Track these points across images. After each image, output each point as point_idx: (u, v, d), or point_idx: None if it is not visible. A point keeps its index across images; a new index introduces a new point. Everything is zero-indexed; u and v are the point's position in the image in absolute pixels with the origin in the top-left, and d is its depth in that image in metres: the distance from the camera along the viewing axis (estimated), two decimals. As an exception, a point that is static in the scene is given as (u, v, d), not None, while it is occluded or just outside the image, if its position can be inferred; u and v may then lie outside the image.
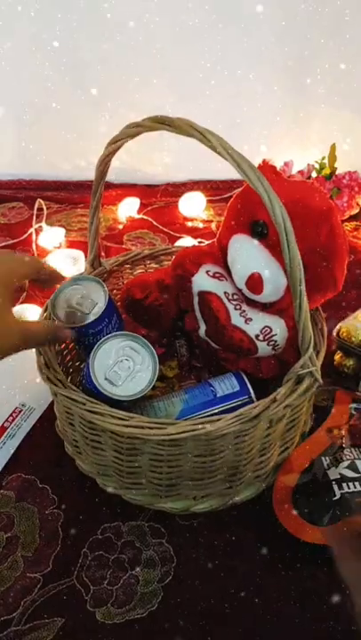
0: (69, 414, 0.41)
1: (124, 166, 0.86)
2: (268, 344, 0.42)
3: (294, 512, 0.40)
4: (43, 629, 0.37)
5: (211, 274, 0.44)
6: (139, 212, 0.86)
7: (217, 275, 0.44)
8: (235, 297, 0.44)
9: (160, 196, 0.90)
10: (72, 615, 0.38)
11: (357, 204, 0.81)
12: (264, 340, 0.42)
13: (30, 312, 0.63)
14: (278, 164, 0.83)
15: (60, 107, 0.86)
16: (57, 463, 0.48)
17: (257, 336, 0.42)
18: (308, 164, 0.83)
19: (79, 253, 0.73)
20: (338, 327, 0.55)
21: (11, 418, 0.52)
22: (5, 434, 0.50)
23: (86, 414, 0.36)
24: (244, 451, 0.39)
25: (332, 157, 0.80)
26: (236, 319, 0.43)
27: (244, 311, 0.43)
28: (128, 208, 0.86)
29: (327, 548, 0.39)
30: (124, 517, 0.43)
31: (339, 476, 0.42)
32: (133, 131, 0.35)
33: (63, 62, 0.84)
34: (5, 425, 0.51)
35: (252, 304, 0.44)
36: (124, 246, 0.79)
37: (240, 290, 0.44)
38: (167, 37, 0.80)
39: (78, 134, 0.87)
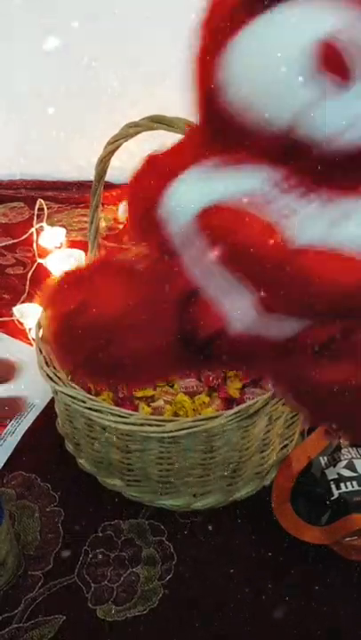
0: (69, 412, 0.42)
1: (125, 166, 0.86)
2: None
3: (293, 512, 0.41)
4: (44, 626, 0.37)
5: (204, 169, 0.20)
6: (139, 211, 0.86)
7: (219, 169, 0.20)
8: (279, 188, 0.19)
9: (160, 196, 0.90)
10: (73, 612, 0.38)
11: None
12: None
13: (31, 312, 0.63)
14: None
15: (60, 107, 0.86)
16: (57, 461, 0.48)
17: None
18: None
19: (80, 253, 0.73)
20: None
21: (12, 416, 0.52)
22: (5, 431, 0.50)
23: (86, 412, 0.37)
24: (244, 447, 0.39)
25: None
26: (306, 230, 0.18)
27: (317, 208, 0.18)
28: (129, 208, 0.86)
29: (327, 547, 0.39)
30: (125, 515, 0.43)
31: (337, 476, 0.42)
32: (132, 130, 0.35)
33: (63, 62, 0.84)
34: (5, 422, 0.51)
35: (327, 184, 0.18)
36: (124, 246, 0.80)
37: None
38: (168, 36, 0.80)
39: (79, 134, 0.87)
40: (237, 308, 0.19)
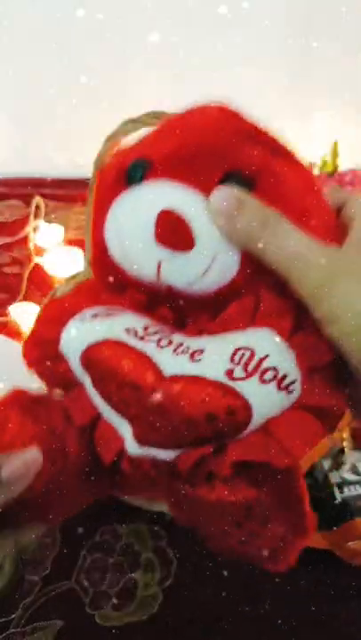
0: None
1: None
2: (262, 380, 0.20)
3: None
4: (42, 632, 0.37)
5: (90, 316, 0.23)
6: (138, 209, 0.85)
7: (102, 315, 0.23)
8: (149, 329, 0.22)
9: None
10: (71, 618, 0.37)
11: (358, 201, 0.80)
12: (250, 375, 0.20)
13: (27, 312, 0.62)
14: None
15: (57, 103, 0.86)
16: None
17: (230, 372, 0.20)
18: (310, 162, 0.82)
19: (78, 252, 0.72)
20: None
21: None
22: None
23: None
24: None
25: (334, 155, 0.79)
26: (171, 363, 0.21)
27: (180, 343, 0.21)
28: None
29: (329, 551, 0.39)
30: (123, 520, 0.43)
31: (340, 480, 0.41)
32: (131, 126, 0.35)
33: (61, 58, 0.83)
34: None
35: (189, 324, 0.23)
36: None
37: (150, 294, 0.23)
38: (166, 33, 0.79)
39: (76, 131, 0.86)
40: (125, 437, 0.22)
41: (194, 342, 0.21)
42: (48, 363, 0.23)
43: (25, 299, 0.67)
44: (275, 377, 0.20)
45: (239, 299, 0.22)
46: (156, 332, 0.22)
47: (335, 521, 0.39)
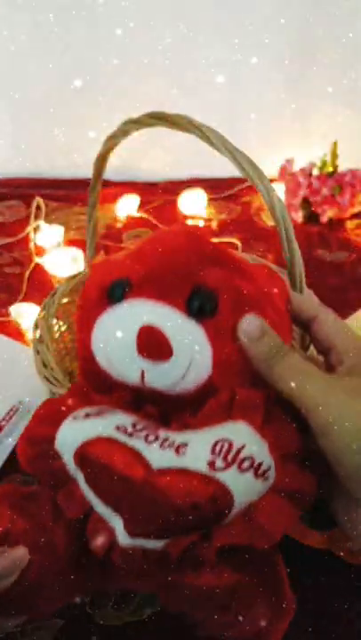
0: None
1: (123, 163, 0.85)
2: (241, 469, 0.22)
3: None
4: (42, 630, 0.37)
5: (82, 415, 0.25)
6: (138, 209, 0.85)
7: (93, 414, 0.25)
8: (137, 426, 0.24)
9: (160, 194, 0.89)
10: (71, 617, 0.37)
11: (359, 202, 0.80)
12: (230, 465, 0.22)
13: (28, 312, 0.62)
14: (279, 162, 0.82)
15: (57, 103, 0.86)
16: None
17: (211, 464, 0.22)
18: (310, 163, 0.82)
19: (78, 252, 0.72)
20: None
21: (7, 416, 0.51)
22: (2, 432, 0.50)
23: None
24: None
25: (334, 155, 0.79)
26: (159, 457, 0.23)
27: (166, 438, 0.24)
28: (127, 206, 0.85)
29: (330, 552, 0.39)
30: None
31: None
32: (131, 127, 0.35)
33: (60, 58, 0.83)
34: (2, 423, 0.50)
35: (172, 420, 0.26)
36: (123, 245, 0.79)
37: (139, 397, 0.26)
38: (166, 33, 0.80)
39: (76, 131, 0.86)
40: (116, 529, 0.23)
41: (178, 437, 0.24)
42: (42, 460, 0.25)
43: (25, 299, 0.67)
44: (251, 465, 0.22)
45: (216, 394, 0.25)
46: (143, 429, 0.24)
47: (335, 521, 0.39)
